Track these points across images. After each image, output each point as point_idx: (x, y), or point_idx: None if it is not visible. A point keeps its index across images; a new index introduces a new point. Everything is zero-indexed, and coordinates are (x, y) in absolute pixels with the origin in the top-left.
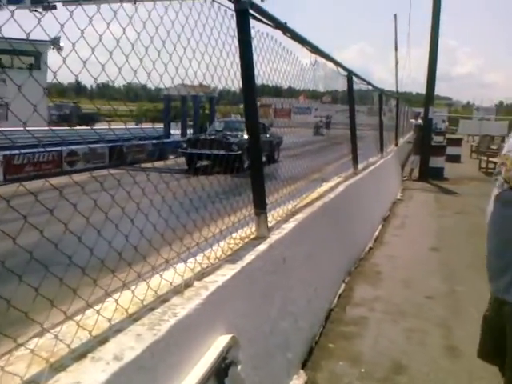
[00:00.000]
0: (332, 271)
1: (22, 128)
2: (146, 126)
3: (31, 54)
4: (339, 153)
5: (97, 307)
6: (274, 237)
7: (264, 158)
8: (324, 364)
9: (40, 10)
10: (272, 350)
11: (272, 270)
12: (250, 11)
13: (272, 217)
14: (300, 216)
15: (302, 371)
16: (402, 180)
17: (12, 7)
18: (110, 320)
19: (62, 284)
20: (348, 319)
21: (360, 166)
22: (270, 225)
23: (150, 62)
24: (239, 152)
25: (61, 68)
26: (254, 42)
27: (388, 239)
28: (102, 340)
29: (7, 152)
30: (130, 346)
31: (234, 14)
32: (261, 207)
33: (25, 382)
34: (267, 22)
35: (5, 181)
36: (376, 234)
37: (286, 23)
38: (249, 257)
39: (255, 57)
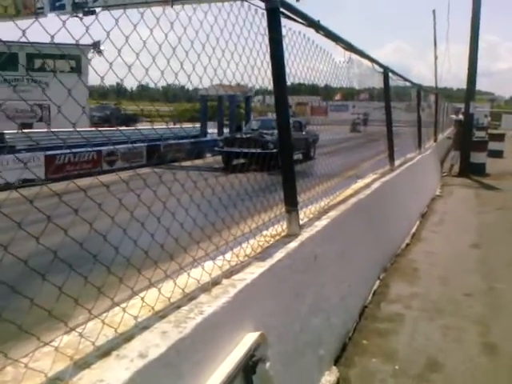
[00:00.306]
0: (366, 268)
1: (62, 129)
2: (184, 125)
3: (72, 58)
4: (376, 149)
5: (123, 305)
6: (306, 234)
7: (300, 156)
8: (357, 360)
9: (80, 15)
10: (303, 347)
11: (303, 268)
12: (281, 9)
13: (304, 214)
14: (333, 213)
15: (334, 367)
16: (442, 176)
17: (54, 13)
18: (136, 317)
19: (89, 283)
20: (383, 316)
21: (397, 163)
22: (301, 222)
23: (187, 63)
24: (275, 150)
25: (101, 71)
26: (286, 41)
27: (426, 235)
28: (127, 337)
29: (50, 152)
30: (155, 343)
31: (265, 12)
32: (292, 204)
33: (49, 378)
34: (299, 20)
35: (46, 180)
36: (413, 230)
37: (318, 21)
38: (279, 254)
39: (288, 55)
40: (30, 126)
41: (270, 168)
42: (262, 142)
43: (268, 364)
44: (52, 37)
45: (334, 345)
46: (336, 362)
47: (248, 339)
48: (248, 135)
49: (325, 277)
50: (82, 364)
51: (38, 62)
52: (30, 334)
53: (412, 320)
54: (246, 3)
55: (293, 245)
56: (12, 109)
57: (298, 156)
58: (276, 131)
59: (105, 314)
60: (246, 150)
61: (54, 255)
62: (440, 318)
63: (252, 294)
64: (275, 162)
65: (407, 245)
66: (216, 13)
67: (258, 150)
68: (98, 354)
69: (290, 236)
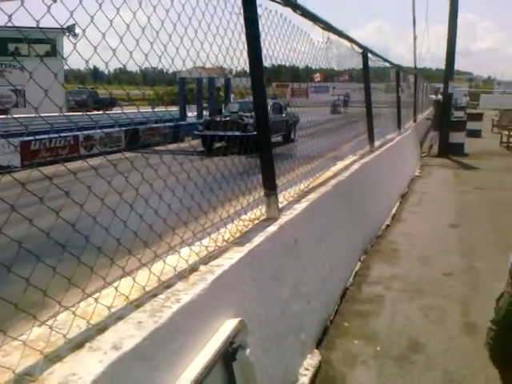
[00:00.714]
0: (347, 250)
1: (37, 114)
2: (160, 109)
3: (47, 42)
4: (356, 131)
5: (96, 295)
6: (285, 218)
7: (279, 138)
8: (339, 343)
9: None
10: (284, 332)
11: (282, 252)
12: None
13: (283, 197)
14: (312, 196)
15: (316, 350)
16: (421, 156)
17: None
18: (109, 308)
19: (58, 273)
20: (364, 298)
21: (376, 144)
22: (280, 206)
23: (164, 45)
24: (255, 133)
25: (77, 54)
26: (262, 21)
27: (405, 216)
28: (100, 329)
29: (25, 138)
30: (129, 334)
31: None
32: (270, 188)
33: (17, 375)
34: None
35: (22, 166)
36: (393, 211)
37: (296, 0)
38: (258, 239)
39: (264, 36)
40: (5, 111)
41: (250, 151)
42: (242, 125)
43: (248, 350)
44: (37, 22)
45: (316, 328)
46: (318, 345)
47: (227, 326)
48: (228, 118)
49: (305, 260)
50: (53, 358)
51: (11, 47)
52: None
53: (392, 301)
54: None
55: (272, 229)
56: None
57: (277, 138)
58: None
59: (77, 305)
60: (225, 133)
61: (19, 246)
62: (420, 298)
63: (230, 280)
64: (255, 145)
65: (387, 226)
66: None
67: (238, 133)
68: (69, 347)
69: (269, 220)
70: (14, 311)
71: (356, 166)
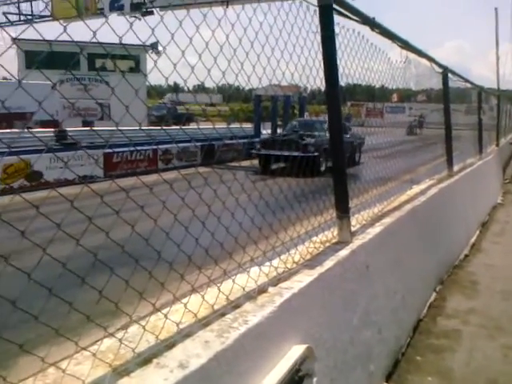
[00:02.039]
0: (422, 279)
1: (119, 128)
2: (233, 126)
3: (131, 59)
4: (433, 153)
5: (165, 310)
6: (358, 242)
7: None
8: (410, 378)
9: (139, 15)
10: (352, 362)
11: (353, 278)
12: (334, 6)
13: (356, 220)
14: (387, 220)
15: None
16: (504, 183)
17: (113, 14)
18: (178, 324)
19: (130, 287)
20: (439, 331)
21: (455, 168)
22: (353, 229)
23: (241, 63)
24: (315, 154)
25: (159, 71)
26: (339, 39)
27: (486, 246)
28: (168, 345)
29: (106, 150)
30: (196, 353)
31: (317, 9)
32: (343, 210)
33: None
34: (353, 17)
35: (105, 177)
36: (472, 240)
37: (374, 18)
38: (329, 262)
39: (341, 54)
40: (91, 123)
41: (310, 173)
42: (302, 145)
43: (315, 380)
44: (120, 38)
45: (386, 360)
46: (388, 378)
47: (294, 352)
48: (287, 137)
49: (377, 287)
50: (122, 371)
51: (98, 62)
52: (68, 339)
53: (470, 337)
54: (297, 0)
55: (344, 253)
56: (75, 107)
57: None
58: (318, 133)
59: (146, 319)
60: (282, 154)
61: (94, 257)
62: (501, 336)
63: (299, 304)
64: (315, 167)
65: (466, 256)
66: (265, 10)
67: (296, 154)
68: (137, 362)
69: (341, 243)
70: (86, 320)
71: (433, 191)
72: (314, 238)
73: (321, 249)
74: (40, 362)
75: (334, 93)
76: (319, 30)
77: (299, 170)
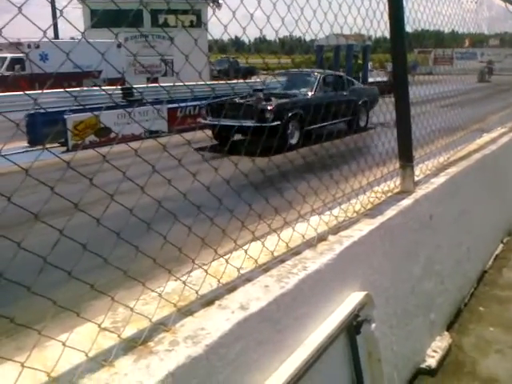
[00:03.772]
0: (488, 230)
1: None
2: None
3: (192, 13)
4: (506, 101)
5: (226, 256)
6: (421, 192)
7: (343, 124)
8: (472, 328)
9: None
10: (413, 310)
11: (416, 227)
12: None
13: (420, 170)
14: (453, 170)
15: (446, 333)
16: None
17: None
18: (239, 269)
19: (192, 233)
20: (504, 283)
21: None
22: (416, 179)
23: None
24: (276, 123)
25: (220, 24)
26: None
27: None
28: (229, 288)
29: (169, 106)
30: (256, 296)
31: None
32: (407, 159)
33: (153, 323)
34: None
35: (169, 132)
36: None
37: None
38: (390, 212)
39: None
40: (155, 80)
41: (273, 148)
42: (257, 111)
43: (374, 325)
44: None
45: (448, 310)
46: (449, 327)
47: (353, 298)
48: (243, 100)
49: (440, 238)
50: (185, 311)
51: (161, 18)
52: (135, 280)
53: None
54: None
55: (406, 202)
56: (139, 64)
57: (334, 126)
58: (304, 89)
59: (209, 264)
60: (232, 123)
61: (159, 205)
62: None
63: (359, 252)
64: (281, 140)
65: None
66: None
67: (250, 123)
68: (201, 303)
69: (404, 193)
70: (152, 265)
71: (505, 139)
72: (376, 188)
73: (382, 198)
74: (110, 303)
75: (399, 39)
76: None
77: (257, 145)
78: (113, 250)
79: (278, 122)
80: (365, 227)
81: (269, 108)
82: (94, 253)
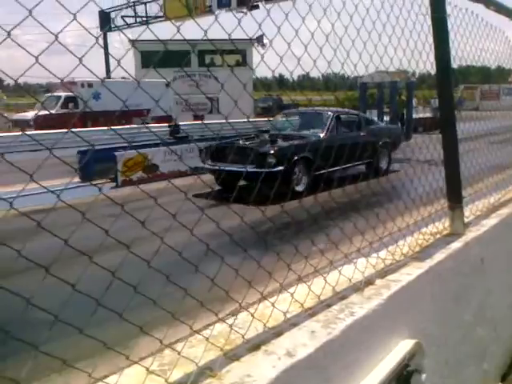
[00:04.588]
0: None
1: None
2: None
3: (238, 53)
4: None
5: (272, 299)
6: (471, 234)
7: (363, 168)
8: None
9: (245, 10)
10: (465, 359)
11: (467, 271)
12: None
13: (470, 211)
14: (504, 211)
15: None
16: None
17: (221, 10)
18: (285, 313)
19: (240, 276)
20: None
21: None
22: (466, 220)
23: (346, 52)
24: (278, 168)
25: (265, 64)
26: (451, 20)
27: None
28: (276, 333)
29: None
30: (303, 342)
31: None
32: (456, 200)
33: (199, 367)
34: None
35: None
36: None
37: None
38: (439, 255)
39: (453, 35)
40: (201, 117)
41: (277, 196)
42: (259, 155)
43: (424, 376)
44: (229, 35)
45: (501, 359)
46: (503, 379)
47: (402, 347)
48: (249, 141)
49: (492, 282)
50: (232, 356)
51: (207, 58)
52: (183, 323)
53: None
54: None
55: (456, 245)
56: (186, 103)
57: (351, 169)
58: (315, 130)
59: (255, 307)
60: (231, 168)
61: (206, 247)
62: None
63: (408, 298)
64: (286, 186)
65: None
66: None
67: (251, 169)
68: (247, 347)
69: (453, 235)
70: (199, 306)
71: None
72: (424, 230)
73: (431, 241)
74: (158, 343)
75: (445, 76)
76: (429, 12)
77: (259, 193)
78: (162, 288)
79: (281, 167)
80: (413, 271)
81: (271, 152)
82: (142, 294)
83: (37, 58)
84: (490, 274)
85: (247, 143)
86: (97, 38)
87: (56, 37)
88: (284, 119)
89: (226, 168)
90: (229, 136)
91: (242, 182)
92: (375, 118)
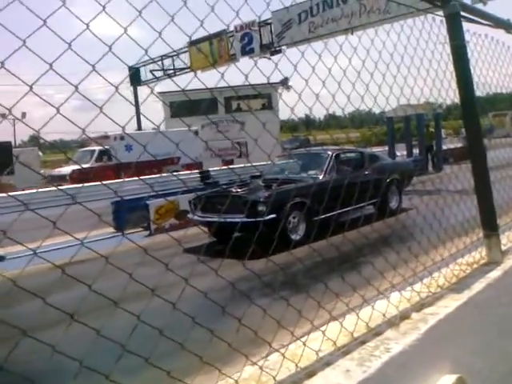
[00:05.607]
0: None
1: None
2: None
3: (264, 96)
4: None
5: (304, 338)
6: (510, 262)
7: (371, 208)
8: None
9: (268, 55)
10: None
11: (508, 301)
12: (462, 13)
13: (507, 239)
14: None
15: None
16: None
17: (245, 57)
18: (317, 352)
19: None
20: None
21: None
22: (504, 248)
23: (366, 86)
24: (270, 217)
25: (291, 105)
26: (471, 46)
27: None
28: (308, 373)
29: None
30: (337, 382)
31: (444, 19)
32: (491, 228)
33: None
34: (484, 21)
35: None
36: None
37: (508, 20)
38: (478, 285)
39: (474, 62)
40: (230, 162)
41: (268, 247)
42: (248, 204)
43: None
44: (253, 85)
45: None
46: None
47: (444, 382)
48: (243, 188)
49: None
50: None
51: (234, 104)
52: (213, 367)
53: None
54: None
55: (495, 274)
56: (215, 148)
57: (359, 211)
58: (312, 172)
59: (286, 347)
60: (219, 219)
61: (232, 287)
62: None
63: (447, 331)
64: (281, 236)
65: None
66: (387, 29)
67: (239, 219)
68: None
69: (491, 264)
70: (228, 349)
71: None
72: (460, 260)
73: (468, 271)
74: None
75: (470, 104)
76: (447, 40)
77: (255, 243)
78: (190, 332)
79: (274, 216)
80: (451, 303)
81: (261, 199)
82: (171, 339)
83: (58, 108)
84: None
85: (239, 190)
86: (116, 87)
87: (76, 88)
88: (281, 162)
89: (215, 219)
90: (225, 184)
91: (236, 233)
92: (384, 154)
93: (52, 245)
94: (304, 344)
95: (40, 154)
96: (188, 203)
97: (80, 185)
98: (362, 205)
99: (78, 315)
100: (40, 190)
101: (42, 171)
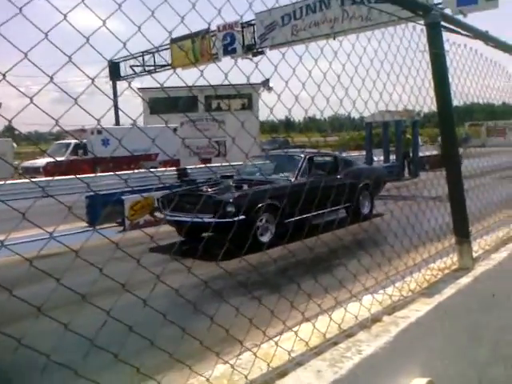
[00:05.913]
0: None
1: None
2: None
3: (244, 96)
4: None
5: (276, 338)
6: (481, 268)
7: (341, 212)
8: None
9: (250, 56)
10: None
11: (478, 307)
12: (442, 23)
13: (478, 246)
14: None
15: None
16: None
17: (227, 57)
18: (289, 352)
19: (241, 314)
20: None
21: None
22: (475, 255)
23: (345, 93)
24: (240, 217)
25: (270, 105)
26: (450, 56)
27: None
28: (280, 373)
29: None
30: (308, 382)
31: (424, 28)
32: (463, 235)
33: None
34: (463, 32)
35: None
36: None
37: (487, 31)
38: (448, 290)
39: (453, 71)
40: (208, 160)
41: (239, 248)
42: (217, 204)
43: None
44: (234, 86)
45: None
46: None
47: None
48: (212, 188)
49: (506, 318)
50: None
51: (214, 103)
52: (183, 364)
53: None
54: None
55: (465, 280)
56: (193, 146)
57: (332, 215)
58: (284, 174)
59: (258, 347)
60: (186, 218)
61: (205, 285)
62: None
63: (417, 334)
64: (252, 238)
65: None
66: (369, 35)
67: (208, 219)
68: None
69: (462, 270)
70: (200, 347)
71: None
72: (432, 265)
73: (439, 276)
74: None
75: (447, 113)
76: (427, 49)
77: (224, 244)
78: (161, 329)
79: (243, 216)
80: (422, 307)
81: (230, 200)
82: (142, 335)
83: (31, 98)
84: (502, 309)
85: (209, 190)
86: (93, 80)
87: (51, 78)
88: (252, 163)
89: (182, 219)
90: (196, 182)
91: (206, 233)
92: (356, 160)
93: (23, 237)
94: (276, 344)
95: (14, 145)
96: (156, 201)
97: (53, 178)
98: (333, 208)
99: (45, 309)
100: (10, 181)
101: (15, 162)
